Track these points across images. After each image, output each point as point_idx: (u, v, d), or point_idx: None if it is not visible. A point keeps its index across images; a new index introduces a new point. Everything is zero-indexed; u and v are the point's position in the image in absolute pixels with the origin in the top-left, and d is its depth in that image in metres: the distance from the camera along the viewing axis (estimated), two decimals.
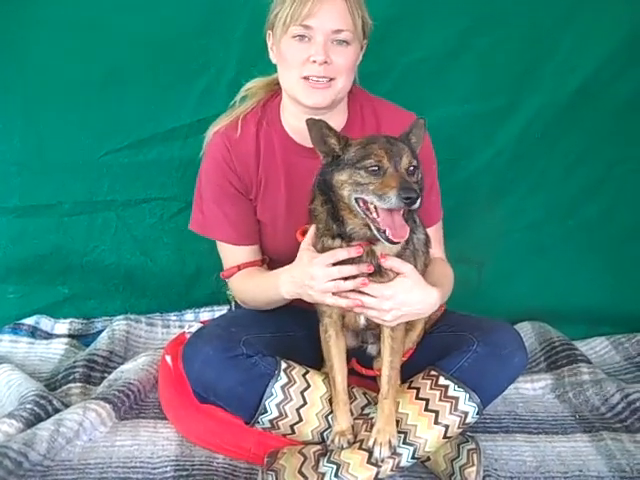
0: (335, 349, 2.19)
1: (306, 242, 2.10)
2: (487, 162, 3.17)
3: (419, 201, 1.84)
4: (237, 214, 2.39)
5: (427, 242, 2.30)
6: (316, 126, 1.98)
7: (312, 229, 2.10)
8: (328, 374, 2.28)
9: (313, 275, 2.01)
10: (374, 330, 2.24)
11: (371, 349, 2.37)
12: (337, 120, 2.33)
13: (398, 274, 2.02)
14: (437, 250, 2.47)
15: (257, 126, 2.37)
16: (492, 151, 3.17)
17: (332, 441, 2.16)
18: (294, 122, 2.35)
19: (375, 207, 1.89)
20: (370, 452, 2.11)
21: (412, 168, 1.92)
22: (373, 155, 1.89)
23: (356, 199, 1.92)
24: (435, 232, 2.48)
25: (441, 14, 2.96)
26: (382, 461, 2.08)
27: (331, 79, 2.21)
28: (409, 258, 2.08)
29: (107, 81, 3.04)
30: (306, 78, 2.21)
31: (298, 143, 2.37)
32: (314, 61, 2.17)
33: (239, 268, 2.41)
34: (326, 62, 2.17)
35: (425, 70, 3.02)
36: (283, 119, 2.38)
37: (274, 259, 2.46)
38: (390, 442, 2.08)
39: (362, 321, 2.16)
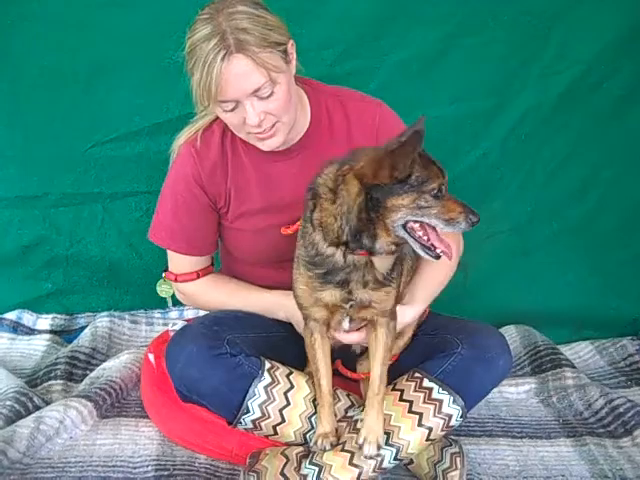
0: (320, 352, 2.17)
1: None
2: (473, 163, 3.18)
3: None
4: (195, 228, 2.37)
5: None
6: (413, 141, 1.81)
7: None
8: (312, 375, 2.26)
9: None
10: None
11: (356, 346, 2.34)
12: (300, 124, 2.28)
13: (390, 281, 2.01)
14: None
15: (222, 135, 2.32)
16: (478, 153, 3.18)
17: (315, 443, 2.15)
18: None
19: (426, 228, 1.87)
20: (352, 454, 2.09)
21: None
22: (436, 178, 1.83)
23: (406, 222, 1.85)
24: None
25: (428, 15, 2.95)
26: (370, 458, 2.07)
27: (275, 123, 2.13)
28: (397, 265, 2.05)
29: (94, 74, 3.03)
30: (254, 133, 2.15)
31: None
32: (251, 125, 2.10)
33: (198, 275, 2.42)
34: (261, 119, 2.08)
35: (411, 70, 3.02)
36: None
37: (254, 262, 2.45)
38: (378, 440, 2.07)
39: (345, 325, 2.14)
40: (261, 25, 2.02)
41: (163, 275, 2.50)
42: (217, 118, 2.30)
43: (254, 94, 2.04)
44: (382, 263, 1.97)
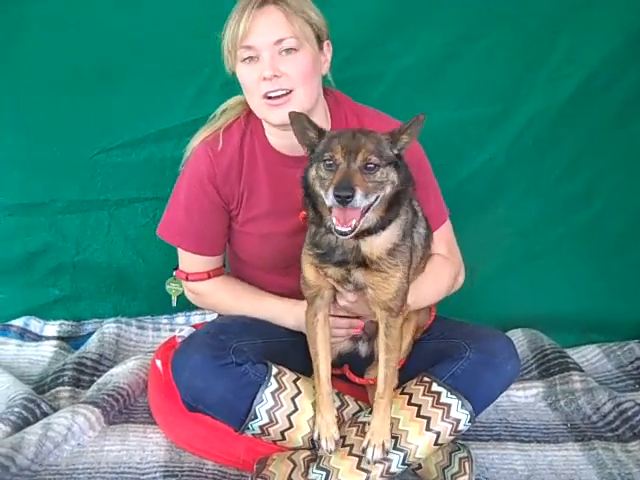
0: (322, 334, 2.16)
1: None
2: (479, 168, 3.17)
3: (358, 198, 1.78)
4: (206, 227, 2.39)
5: (428, 237, 2.29)
6: (297, 119, 1.96)
7: None
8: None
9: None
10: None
11: (362, 347, 2.35)
12: None
13: (389, 268, 2.01)
14: (440, 248, 2.45)
15: (241, 137, 2.36)
16: (484, 157, 3.18)
17: (319, 436, 2.13)
18: (273, 139, 2.36)
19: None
20: (360, 458, 2.09)
21: (371, 165, 1.85)
22: (330, 150, 1.87)
23: (325, 195, 1.87)
24: (441, 233, 2.45)
25: (435, 20, 2.96)
26: (374, 463, 2.07)
27: (290, 91, 2.18)
28: (404, 253, 2.04)
29: (100, 80, 3.04)
30: (266, 97, 2.19)
31: (282, 153, 2.36)
32: (264, 78, 2.16)
33: (209, 275, 2.43)
34: (276, 75, 2.15)
35: (418, 75, 3.02)
36: (266, 131, 2.38)
37: (261, 266, 2.46)
38: (384, 445, 2.07)
39: (350, 297, 2.11)
40: (304, 2, 2.21)
41: (173, 273, 2.52)
42: (237, 119, 2.37)
43: (277, 45, 2.15)
44: (370, 247, 1.97)
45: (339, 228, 1.83)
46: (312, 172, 1.93)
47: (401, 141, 1.94)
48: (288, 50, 2.17)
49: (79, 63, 3.01)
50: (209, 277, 2.44)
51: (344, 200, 1.76)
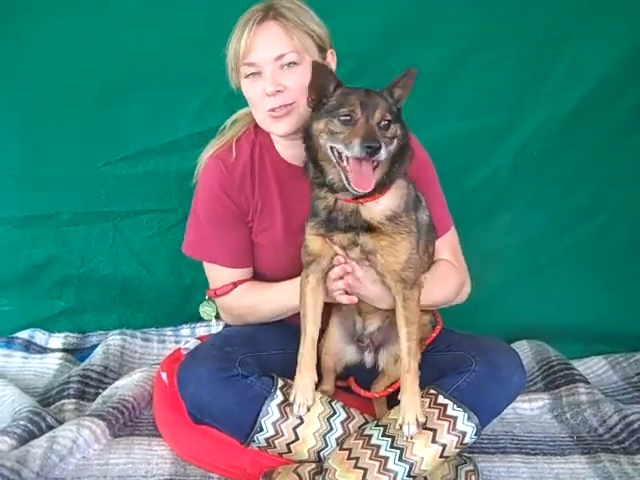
0: (311, 297, 2.15)
1: None
2: (484, 179, 3.18)
3: (383, 152, 1.87)
4: (232, 238, 2.39)
5: (432, 226, 2.31)
6: (319, 67, 2.00)
7: None
8: (326, 393, 2.30)
9: (329, 288, 2.16)
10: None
11: (367, 357, 2.34)
12: None
13: (394, 233, 2.04)
14: (446, 255, 2.47)
15: (251, 148, 2.39)
16: (490, 169, 3.19)
17: (293, 399, 2.11)
18: (282, 149, 2.39)
19: (346, 156, 1.92)
20: (366, 471, 2.08)
21: (385, 122, 1.95)
22: (348, 105, 1.93)
23: (331, 148, 1.96)
24: (447, 240, 2.48)
25: (439, 31, 2.97)
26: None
27: (292, 103, 2.22)
28: (409, 225, 2.07)
29: (105, 93, 3.05)
30: (270, 110, 2.23)
31: (291, 164, 2.38)
32: (267, 93, 2.20)
33: (235, 285, 2.41)
34: (279, 90, 2.19)
35: (423, 87, 2.96)
36: (275, 142, 2.40)
37: (273, 278, 2.44)
38: (417, 419, 2.06)
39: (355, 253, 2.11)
40: (305, 14, 2.24)
41: (206, 297, 2.52)
42: (246, 130, 2.40)
43: (278, 61, 2.18)
44: (369, 212, 2.02)
45: (355, 187, 1.91)
46: (319, 125, 1.98)
47: (396, 94, 2.04)
48: (289, 64, 2.20)
49: (85, 76, 3.02)
50: (235, 286, 2.41)
51: (374, 151, 1.84)
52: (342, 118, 1.93)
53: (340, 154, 1.94)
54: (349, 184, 1.92)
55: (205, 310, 2.58)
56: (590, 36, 3.04)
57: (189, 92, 3.05)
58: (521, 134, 3.16)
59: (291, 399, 2.12)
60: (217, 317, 2.57)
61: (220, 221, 2.37)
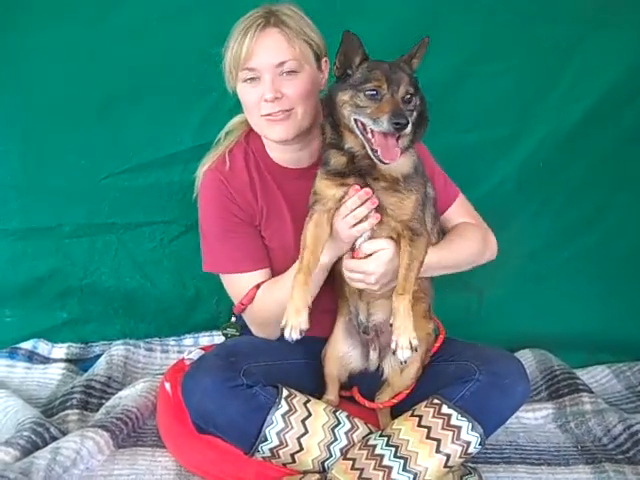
0: (313, 231, 2.15)
1: None
2: (489, 191, 3.18)
3: (409, 127, 1.94)
4: (246, 243, 2.38)
5: (436, 201, 2.34)
6: (350, 38, 2.02)
7: None
8: (330, 403, 2.31)
9: (337, 230, 2.15)
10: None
11: (372, 356, 2.34)
12: (317, 145, 2.34)
13: (405, 190, 2.09)
14: (462, 219, 2.52)
15: (245, 157, 2.41)
16: (494, 180, 3.20)
17: (285, 323, 2.06)
18: (274, 153, 2.40)
19: (371, 129, 1.98)
20: None
21: (409, 96, 2.01)
22: (374, 80, 1.99)
23: (355, 120, 2.01)
24: (458, 207, 2.52)
25: (445, 42, 2.96)
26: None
27: (289, 110, 2.24)
28: (418, 184, 2.13)
29: (108, 105, 3.06)
30: (266, 115, 2.24)
31: (285, 167, 2.41)
32: (265, 99, 2.21)
33: (258, 287, 2.37)
34: (277, 98, 2.21)
35: (428, 98, 2.99)
36: (267, 147, 2.42)
37: None
38: (411, 343, 2.04)
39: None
40: (304, 23, 2.27)
41: (232, 319, 2.51)
42: (237, 141, 2.41)
43: (278, 68, 2.19)
44: (388, 168, 2.06)
45: (383, 159, 1.97)
46: (344, 97, 2.02)
47: (414, 65, 2.11)
48: (289, 72, 2.22)
49: (87, 88, 3.03)
50: (258, 288, 2.37)
51: (402, 127, 1.91)
52: (368, 93, 1.98)
53: (364, 126, 1.99)
54: (375, 155, 1.98)
55: (229, 331, 2.55)
56: (595, 47, 3.05)
57: (192, 104, 3.06)
58: (526, 145, 3.17)
59: (282, 323, 2.07)
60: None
61: (229, 228, 2.37)
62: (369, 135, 1.99)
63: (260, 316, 2.40)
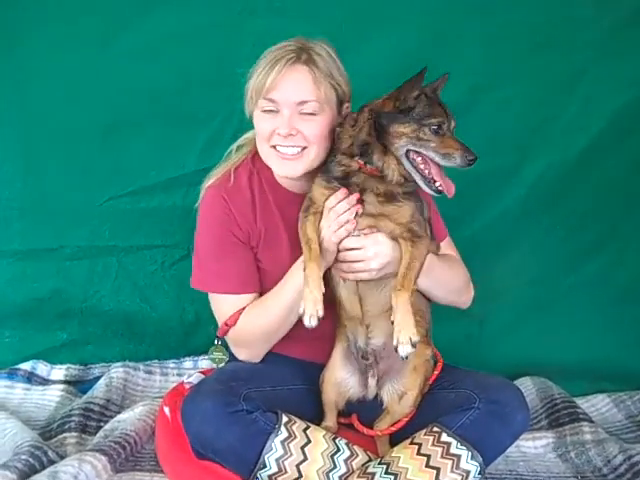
0: (312, 226, 2.19)
1: None
2: (493, 219, 3.19)
3: None
4: (238, 264, 2.36)
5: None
6: (421, 75, 2.09)
7: None
8: (329, 429, 2.30)
9: (323, 237, 2.18)
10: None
11: (371, 383, 2.33)
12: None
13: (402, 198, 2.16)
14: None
15: (249, 177, 2.39)
16: (499, 208, 3.20)
17: (304, 311, 2.09)
18: (281, 178, 2.39)
19: (428, 163, 2.09)
20: None
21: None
22: (438, 116, 2.07)
23: (407, 150, 2.08)
24: (445, 248, 2.53)
25: (450, 70, 2.97)
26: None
27: (303, 148, 2.23)
28: (416, 196, 2.20)
29: (110, 128, 3.08)
30: (275, 147, 2.25)
31: (290, 190, 2.40)
32: (279, 134, 2.21)
33: (243, 309, 2.36)
34: (291, 134, 2.20)
35: None
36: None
37: None
38: (411, 339, 2.04)
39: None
40: (334, 65, 2.27)
41: (215, 342, 2.49)
42: (244, 159, 2.41)
43: (299, 106, 2.19)
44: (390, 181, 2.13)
45: (446, 191, 2.11)
46: (404, 129, 2.08)
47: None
48: (309, 113, 2.21)
49: (91, 111, 3.05)
50: (243, 309, 2.36)
51: (474, 162, 2.05)
52: (434, 128, 2.06)
53: (421, 158, 2.09)
54: (430, 185, 2.10)
55: (216, 356, 2.53)
56: (601, 76, 3.07)
57: (196, 128, 3.08)
58: (531, 174, 3.17)
59: (300, 311, 2.10)
60: (229, 361, 2.52)
61: (225, 247, 2.35)
62: (421, 166, 2.09)
63: (243, 338, 2.39)
